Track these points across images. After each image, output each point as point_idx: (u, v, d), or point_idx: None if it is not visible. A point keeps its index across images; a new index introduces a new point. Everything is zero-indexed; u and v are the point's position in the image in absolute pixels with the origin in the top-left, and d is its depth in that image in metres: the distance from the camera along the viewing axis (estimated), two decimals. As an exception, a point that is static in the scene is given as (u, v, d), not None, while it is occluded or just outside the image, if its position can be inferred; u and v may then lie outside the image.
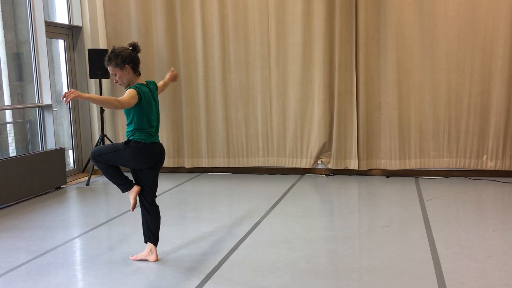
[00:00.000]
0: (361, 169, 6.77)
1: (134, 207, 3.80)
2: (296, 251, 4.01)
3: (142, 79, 3.79)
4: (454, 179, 6.48)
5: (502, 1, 6.10)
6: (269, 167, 7.15)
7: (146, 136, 3.72)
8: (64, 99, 3.25)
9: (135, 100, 3.57)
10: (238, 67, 6.99)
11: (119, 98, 3.55)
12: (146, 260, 3.88)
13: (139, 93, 3.59)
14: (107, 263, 3.87)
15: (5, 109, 6.94)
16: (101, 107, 7.25)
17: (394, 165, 6.67)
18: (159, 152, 3.84)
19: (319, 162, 7.00)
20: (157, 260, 3.87)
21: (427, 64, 6.43)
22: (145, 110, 3.68)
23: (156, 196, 3.91)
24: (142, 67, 7.29)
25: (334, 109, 6.76)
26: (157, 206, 3.91)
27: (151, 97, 3.75)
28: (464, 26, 6.26)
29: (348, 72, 6.64)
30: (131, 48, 3.72)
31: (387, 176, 6.75)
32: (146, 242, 3.93)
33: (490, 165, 6.41)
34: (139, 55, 3.81)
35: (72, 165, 7.67)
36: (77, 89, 7.56)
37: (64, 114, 7.80)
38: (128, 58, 3.64)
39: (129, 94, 3.55)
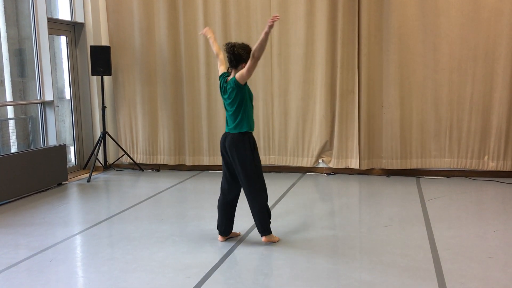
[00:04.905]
0: (362, 168, 6.76)
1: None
2: (297, 250, 4.01)
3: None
4: (455, 179, 6.48)
5: (505, 2, 6.08)
6: (270, 165, 7.14)
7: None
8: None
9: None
10: (240, 66, 6.97)
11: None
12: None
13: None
14: (107, 260, 3.87)
15: (7, 105, 6.94)
16: (103, 104, 7.26)
17: (396, 164, 6.66)
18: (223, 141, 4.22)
19: (320, 161, 7.00)
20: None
21: (429, 64, 6.42)
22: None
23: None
24: (143, 65, 7.32)
25: (335, 109, 6.76)
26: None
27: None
28: (466, 27, 6.25)
29: (350, 72, 6.64)
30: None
31: (388, 176, 6.75)
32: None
33: (492, 166, 6.40)
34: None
35: (73, 161, 7.67)
36: (78, 86, 7.59)
37: (65, 111, 7.80)
38: None
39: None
